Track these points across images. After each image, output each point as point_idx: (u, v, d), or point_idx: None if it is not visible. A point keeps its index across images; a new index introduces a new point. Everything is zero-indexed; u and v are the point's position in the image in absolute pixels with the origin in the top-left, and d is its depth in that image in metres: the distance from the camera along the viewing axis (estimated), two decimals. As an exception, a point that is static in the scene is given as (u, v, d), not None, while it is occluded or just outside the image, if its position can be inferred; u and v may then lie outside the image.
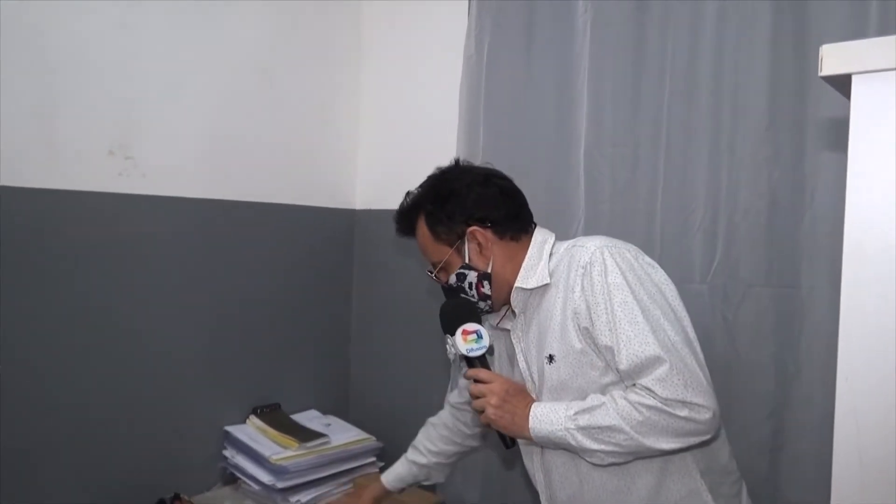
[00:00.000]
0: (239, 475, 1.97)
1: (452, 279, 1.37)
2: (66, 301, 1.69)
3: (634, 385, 1.18)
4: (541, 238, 1.39)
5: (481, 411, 1.30)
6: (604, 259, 1.23)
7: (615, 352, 1.18)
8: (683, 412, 1.13)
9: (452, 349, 1.36)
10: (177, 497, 1.81)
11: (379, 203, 2.37)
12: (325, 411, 2.24)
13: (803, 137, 1.53)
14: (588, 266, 1.24)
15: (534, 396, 1.32)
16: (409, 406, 2.24)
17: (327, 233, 2.33)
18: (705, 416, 1.14)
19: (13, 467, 1.59)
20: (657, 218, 1.71)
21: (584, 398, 1.23)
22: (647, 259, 1.29)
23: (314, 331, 2.29)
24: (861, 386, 0.65)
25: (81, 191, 1.71)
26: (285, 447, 1.93)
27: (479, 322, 1.36)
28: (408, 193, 1.46)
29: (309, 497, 1.90)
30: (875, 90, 0.64)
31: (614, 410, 1.17)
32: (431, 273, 1.43)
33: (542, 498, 1.40)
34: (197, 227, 1.95)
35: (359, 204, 2.41)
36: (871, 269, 0.64)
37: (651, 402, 1.14)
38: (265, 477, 1.87)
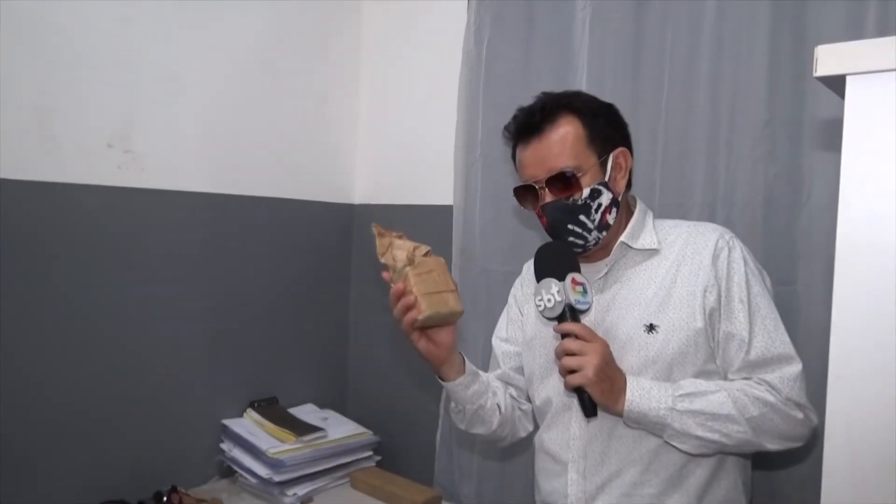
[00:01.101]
0: (236, 468, 1.97)
1: (585, 192, 1.22)
2: (63, 294, 1.70)
3: (749, 378, 1.16)
4: (644, 206, 1.36)
5: (573, 371, 1.15)
6: (740, 247, 1.23)
7: (744, 340, 1.17)
8: (800, 415, 1.14)
9: (556, 296, 1.18)
10: (174, 490, 1.81)
11: (377, 198, 2.37)
12: (322, 405, 2.25)
13: (800, 136, 1.53)
14: (727, 249, 1.22)
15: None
16: (407, 400, 2.25)
17: (326, 227, 2.34)
18: (814, 423, 1.16)
19: (9, 460, 1.60)
20: (655, 214, 1.71)
21: (670, 378, 1.18)
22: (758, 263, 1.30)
23: (312, 325, 2.30)
24: (852, 383, 0.66)
25: (80, 184, 1.72)
26: (282, 441, 1.93)
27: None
28: (543, 93, 1.33)
29: (306, 490, 1.91)
30: (869, 91, 0.64)
31: (731, 400, 1.14)
32: (547, 183, 1.24)
33: (570, 469, 1.29)
34: (195, 220, 1.96)
35: (357, 199, 2.42)
36: (864, 268, 0.65)
37: (771, 399, 1.13)
38: (262, 470, 1.88)
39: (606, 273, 1.30)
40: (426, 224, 2.17)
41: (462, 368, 1.35)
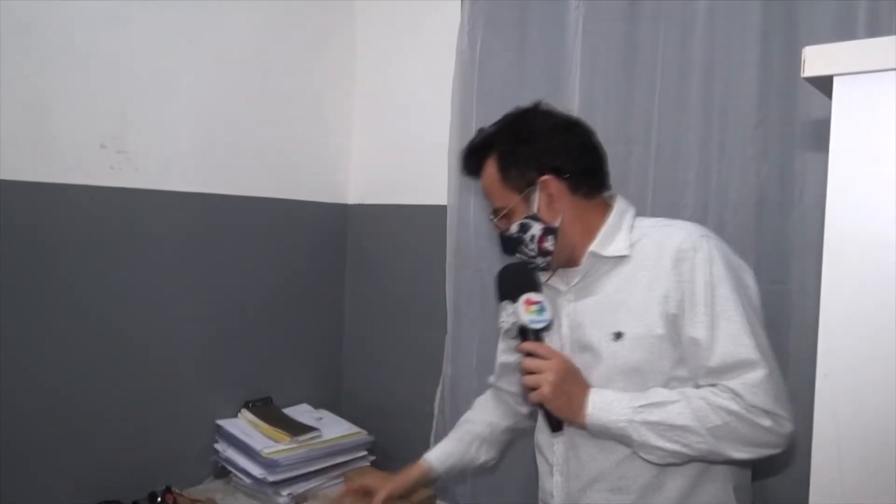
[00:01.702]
0: (230, 468, 1.97)
1: (514, 228, 1.28)
2: (57, 295, 1.69)
3: (714, 386, 1.13)
4: (623, 206, 1.32)
5: (534, 388, 1.20)
6: (709, 248, 1.18)
7: (705, 347, 1.14)
8: (767, 422, 1.09)
9: (510, 317, 1.26)
10: (168, 490, 1.81)
11: (372, 198, 2.37)
12: (317, 405, 2.25)
13: (792, 136, 1.54)
14: (691, 251, 1.18)
15: (580, 371, 1.25)
16: (402, 400, 2.25)
17: (320, 227, 2.34)
18: (787, 429, 1.11)
19: (3, 460, 1.60)
20: (647, 214, 1.70)
21: (641, 386, 1.18)
22: (740, 260, 1.25)
23: (307, 325, 2.30)
24: (840, 382, 0.67)
25: (73, 184, 1.71)
26: (277, 441, 1.93)
27: (541, 292, 1.27)
28: (481, 130, 1.38)
29: (300, 490, 1.91)
30: (856, 91, 0.65)
31: (690, 410, 1.12)
32: (492, 219, 1.34)
33: (555, 471, 1.33)
34: (189, 221, 1.95)
35: (352, 199, 2.42)
36: (851, 267, 0.66)
37: (734, 407, 1.09)
38: (256, 470, 1.88)
39: (581, 281, 1.31)
40: (420, 224, 2.18)
41: (432, 472, 1.52)
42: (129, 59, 1.81)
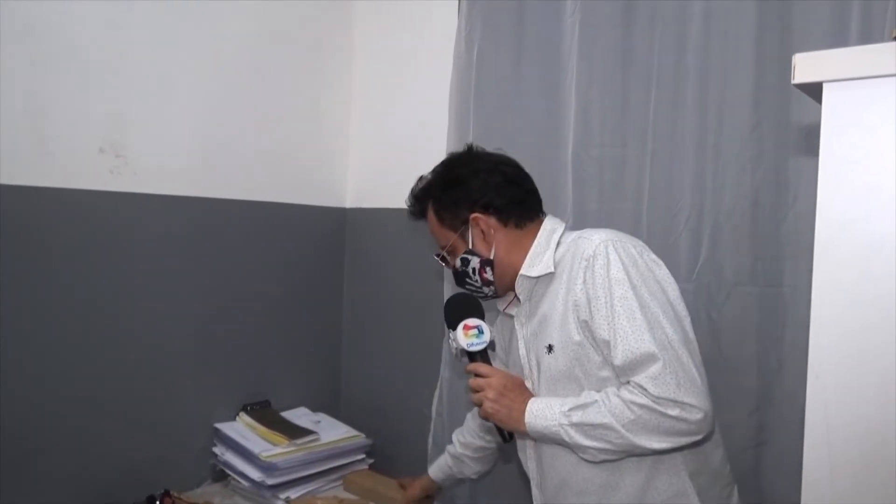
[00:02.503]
0: (228, 472, 1.97)
1: (458, 263, 1.40)
2: (55, 299, 1.70)
3: (628, 382, 1.18)
4: (550, 227, 1.39)
5: (479, 405, 1.32)
6: (607, 252, 1.23)
7: (612, 346, 1.19)
8: (674, 411, 1.13)
9: (453, 343, 1.38)
10: (166, 493, 1.81)
11: (369, 201, 2.38)
12: (315, 408, 2.25)
13: (786, 140, 1.55)
14: (591, 259, 1.24)
15: (530, 385, 1.35)
16: (400, 403, 2.26)
17: (318, 231, 2.34)
18: (696, 416, 1.14)
19: (2, 464, 1.60)
20: (643, 218, 1.73)
21: (579, 392, 1.25)
22: (652, 256, 1.30)
23: (305, 328, 2.30)
24: (831, 383, 0.68)
25: (72, 188, 1.72)
26: (275, 444, 1.94)
27: (482, 317, 1.38)
28: (420, 178, 1.49)
29: (298, 494, 1.91)
30: (845, 98, 0.66)
31: (606, 408, 1.18)
32: (439, 256, 1.47)
33: (533, 485, 1.42)
34: (187, 224, 1.96)
35: (349, 202, 2.42)
36: (841, 272, 0.67)
37: (642, 400, 1.14)
38: (255, 474, 1.89)
39: (525, 304, 1.39)
40: (417, 228, 2.18)
41: (437, 475, 1.80)
42: (127, 63, 1.81)
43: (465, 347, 1.35)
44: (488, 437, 1.68)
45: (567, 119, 1.83)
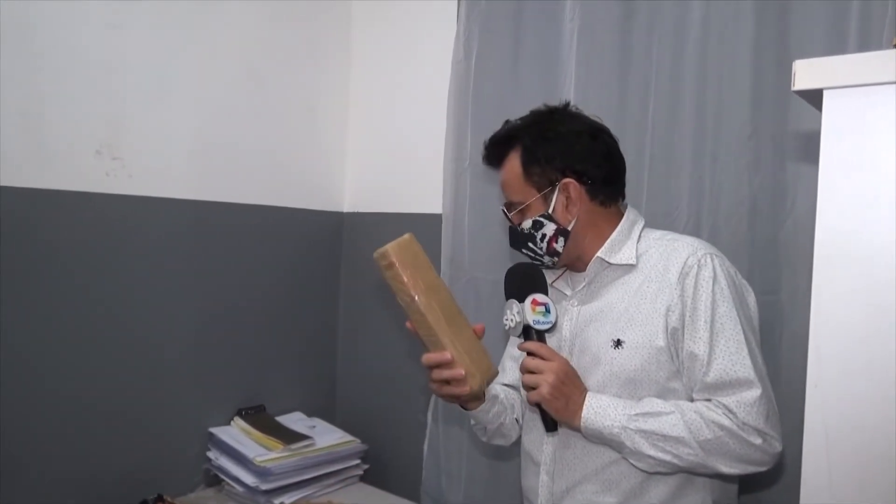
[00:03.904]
0: (223, 477, 1.96)
1: (527, 224, 1.30)
2: (50, 301, 1.69)
3: (709, 401, 1.15)
4: (633, 217, 1.34)
5: (533, 388, 1.21)
6: (714, 265, 1.20)
7: (704, 362, 1.16)
8: (758, 441, 1.12)
9: (516, 316, 1.27)
10: (160, 498, 1.80)
11: (367, 206, 2.38)
12: (310, 413, 2.24)
13: (784, 146, 1.55)
14: (697, 267, 1.20)
15: (578, 375, 1.26)
16: (396, 409, 2.25)
17: (315, 235, 2.34)
18: (776, 449, 1.14)
19: (-5, 467, 1.59)
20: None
21: (635, 394, 1.21)
22: (744, 280, 1.28)
23: (301, 333, 2.30)
24: (830, 392, 0.67)
25: (68, 191, 1.71)
26: (269, 449, 1.93)
27: (547, 293, 1.29)
28: (507, 122, 1.39)
29: (293, 499, 1.91)
30: (846, 105, 0.66)
31: (683, 422, 1.14)
32: (505, 212, 1.36)
33: (543, 469, 1.35)
34: (184, 228, 1.95)
35: (347, 206, 2.42)
36: (840, 279, 0.66)
37: (727, 422, 1.12)
38: (249, 479, 1.88)
39: (586, 286, 1.33)
40: (415, 232, 2.16)
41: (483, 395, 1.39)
42: (125, 66, 1.81)
43: (532, 324, 1.25)
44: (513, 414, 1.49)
45: (565, 125, 1.83)
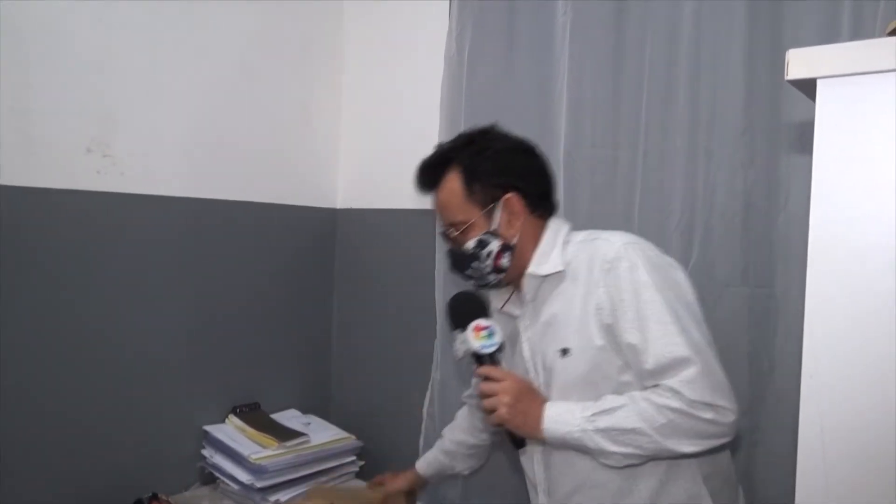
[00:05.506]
0: (217, 475, 1.96)
1: (471, 244, 1.31)
2: (41, 300, 1.68)
3: (657, 386, 1.16)
4: (556, 225, 1.36)
5: (492, 411, 1.25)
6: (630, 255, 1.21)
7: (641, 351, 1.17)
8: (708, 415, 1.13)
9: (462, 345, 1.30)
10: (154, 497, 1.79)
11: (360, 202, 2.37)
12: (305, 410, 2.23)
13: (778, 141, 1.55)
14: (614, 261, 1.22)
15: (535, 387, 1.30)
16: (391, 405, 2.25)
17: (308, 232, 2.33)
18: (729, 418, 1.14)
19: (-13, 467, 1.58)
20: (635, 219, 1.72)
21: (596, 395, 1.22)
22: (669, 258, 1.29)
23: (295, 330, 2.29)
24: (825, 383, 0.67)
25: (58, 189, 1.70)
26: (264, 446, 1.92)
27: (490, 317, 1.32)
28: (439, 145, 1.42)
29: (288, 496, 1.90)
30: (840, 94, 0.65)
31: (636, 413, 1.16)
32: (444, 234, 1.38)
33: (540, 490, 1.37)
34: (176, 225, 1.94)
35: (340, 203, 2.41)
36: (835, 270, 0.66)
37: (676, 404, 1.13)
38: (244, 476, 1.87)
39: (531, 303, 1.35)
40: (409, 228, 2.18)
41: (426, 470, 1.73)
42: (116, 63, 1.80)
43: (478, 350, 1.28)
44: (483, 436, 1.65)
45: (558, 120, 1.82)
